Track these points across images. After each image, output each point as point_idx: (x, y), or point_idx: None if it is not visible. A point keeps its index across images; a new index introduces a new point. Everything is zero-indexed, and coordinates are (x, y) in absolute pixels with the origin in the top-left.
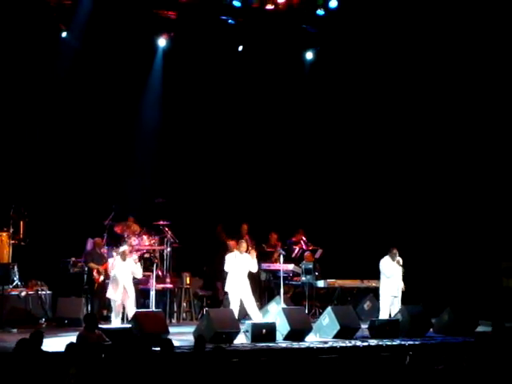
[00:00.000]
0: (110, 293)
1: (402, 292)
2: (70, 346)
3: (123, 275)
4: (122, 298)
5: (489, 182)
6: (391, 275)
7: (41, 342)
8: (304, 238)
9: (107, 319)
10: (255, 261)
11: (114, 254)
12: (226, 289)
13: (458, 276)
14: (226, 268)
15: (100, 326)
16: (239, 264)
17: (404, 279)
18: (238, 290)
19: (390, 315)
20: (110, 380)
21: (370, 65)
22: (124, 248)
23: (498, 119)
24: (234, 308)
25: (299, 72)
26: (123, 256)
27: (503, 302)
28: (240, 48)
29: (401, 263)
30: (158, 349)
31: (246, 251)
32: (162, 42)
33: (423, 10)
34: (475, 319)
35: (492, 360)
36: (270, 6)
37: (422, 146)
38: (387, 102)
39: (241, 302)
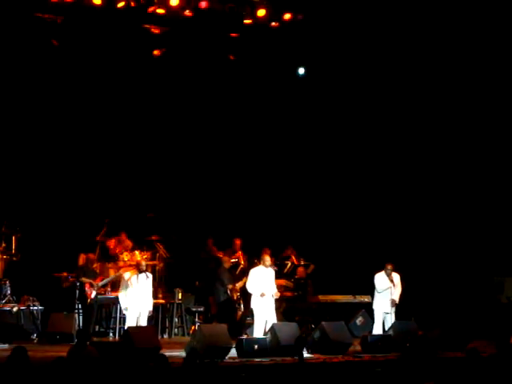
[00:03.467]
0: (124, 302)
1: (397, 307)
2: (58, 360)
3: (140, 288)
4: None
5: (481, 198)
6: (382, 291)
7: (25, 358)
8: (294, 253)
9: (99, 334)
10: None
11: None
12: (252, 306)
13: (451, 291)
14: (251, 284)
15: (92, 340)
16: (265, 279)
17: (402, 296)
18: (264, 307)
19: (384, 330)
20: None
21: (364, 71)
22: (141, 260)
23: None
24: (259, 327)
25: (291, 84)
26: (140, 268)
27: (499, 318)
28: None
29: (395, 281)
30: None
31: (271, 265)
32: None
33: (422, 10)
34: (467, 335)
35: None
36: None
37: (413, 162)
38: (379, 113)
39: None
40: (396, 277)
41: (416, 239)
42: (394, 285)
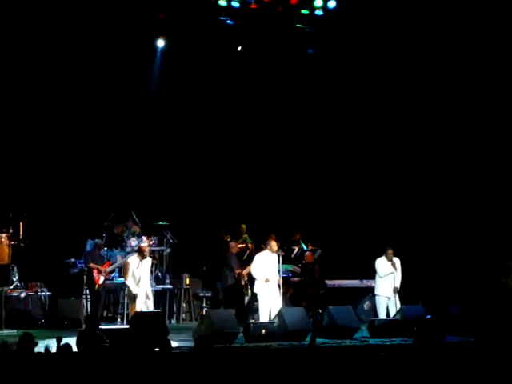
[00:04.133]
0: (131, 292)
1: (399, 292)
2: (64, 346)
3: (144, 275)
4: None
5: (488, 182)
6: (384, 275)
7: (32, 345)
8: (301, 240)
9: (107, 320)
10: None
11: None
12: (256, 290)
13: (458, 275)
14: (256, 269)
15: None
16: (271, 264)
17: (403, 281)
18: (269, 292)
19: (387, 315)
20: (109, 380)
21: (367, 67)
22: (144, 245)
23: (499, 116)
24: (264, 312)
25: (295, 74)
26: (142, 254)
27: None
28: (239, 48)
29: (396, 265)
30: (157, 350)
31: (277, 251)
32: (160, 43)
33: (422, 9)
34: (475, 318)
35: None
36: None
37: (420, 145)
38: (384, 102)
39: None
40: (397, 261)
41: (424, 223)
42: (395, 269)
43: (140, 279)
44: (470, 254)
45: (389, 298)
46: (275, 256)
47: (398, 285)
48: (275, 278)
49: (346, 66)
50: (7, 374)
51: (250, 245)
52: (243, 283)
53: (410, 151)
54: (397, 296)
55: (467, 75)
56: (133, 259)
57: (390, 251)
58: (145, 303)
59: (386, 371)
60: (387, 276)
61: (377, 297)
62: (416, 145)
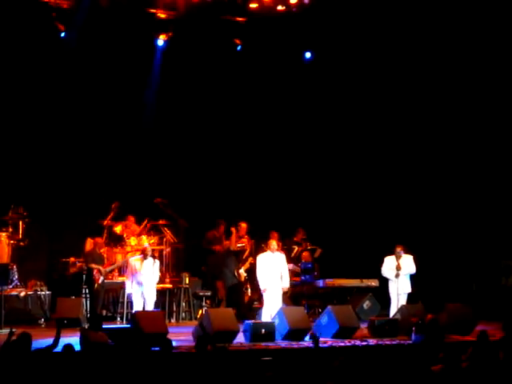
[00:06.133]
0: (129, 288)
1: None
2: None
3: (146, 275)
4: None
5: (489, 180)
6: (384, 273)
7: (29, 344)
8: (304, 237)
9: (107, 319)
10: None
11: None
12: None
13: (458, 275)
14: (258, 274)
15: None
16: (271, 266)
17: (412, 280)
18: (271, 292)
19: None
20: (112, 379)
21: (371, 62)
22: (146, 245)
23: (502, 113)
24: (267, 312)
25: (299, 70)
26: (145, 254)
27: (507, 301)
28: (239, 48)
29: (403, 264)
30: (158, 349)
31: (277, 250)
32: (160, 41)
33: (422, 9)
34: (474, 318)
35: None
36: (280, 7)
37: (421, 144)
38: (387, 97)
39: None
40: (407, 259)
41: (424, 223)
42: (399, 268)
43: (141, 279)
44: (470, 252)
45: (399, 294)
46: (276, 256)
47: (405, 283)
48: (276, 278)
49: (349, 62)
50: (11, 374)
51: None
52: (243, 279)
53: (410, 150)
54: (405, 296)
55: (467, 75)
56: (134, 259)
57: (399, 249)
58: (143, 303)
59: (386, 371)
60: (389, 273)
61: (390, 294)
62: (416, 144)
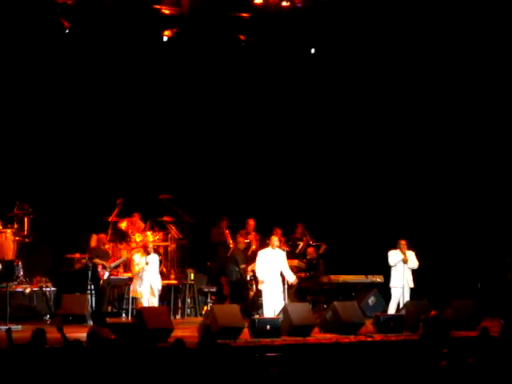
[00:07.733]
0: (135, 290)
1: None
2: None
3: (149, 271)
4: (147, 295)
5: (493, 178)
6: (395, 263)
7: (44, 340)
8: (306, 232)
9: (112, 315)
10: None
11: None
12: (260, 287)
13: (463, 271)
14: (257, 267)
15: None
16: (271, 261)
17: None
18: (271, 288)
19: (398, 308)
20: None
21: (373, 60)
22: (147, 241)
23: (504, 110)
24: (268, 308)
25: (302, 68)
26: (147, 250)
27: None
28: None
29: (409, 257)
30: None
31: (279, 247)
32: (164, 37)
33: (422, 8)
34: (479, 314)
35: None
36: (285, 3)
37: (426, 139)
38: (390, 92)
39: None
40: (409, 254)
41: (429, 219)
42: (406, 260)
43: (144, 275)
44: (475, 249)
45: (401, 288)
46: (277, 252)
47: (409, 277)
48: (276, 274)
49: (351, 58)
50: (18, 369)
51: (254, 240)
52: (248, 278)
53: (415, 146)
54: (409, 290)
55: (467, 75)
56: (137, 255)
57: (403, 242)
58: (149, 299)
59: (391, 367)
60: (398, 264)
61: (392, 289)
62: (420, 140)
